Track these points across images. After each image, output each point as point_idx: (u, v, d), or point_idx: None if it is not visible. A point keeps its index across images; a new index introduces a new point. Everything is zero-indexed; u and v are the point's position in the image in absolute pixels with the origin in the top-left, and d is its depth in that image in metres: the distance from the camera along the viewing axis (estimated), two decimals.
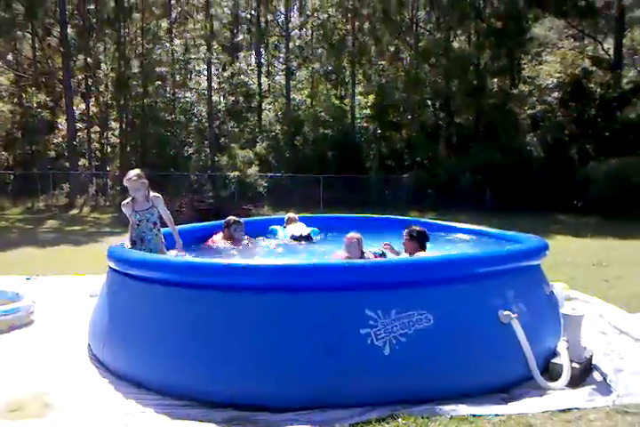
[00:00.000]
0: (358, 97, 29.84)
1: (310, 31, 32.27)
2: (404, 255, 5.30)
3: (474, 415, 3.47)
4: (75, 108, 27.83)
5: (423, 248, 5.18)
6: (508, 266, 4.46)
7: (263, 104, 31.26)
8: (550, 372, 4.13)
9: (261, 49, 32.80)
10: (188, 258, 5.24)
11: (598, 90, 23.99)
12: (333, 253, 5.50)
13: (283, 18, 32.06)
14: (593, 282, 7.95)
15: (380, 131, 28.48)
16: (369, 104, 29.04)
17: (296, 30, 32.81)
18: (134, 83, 27.79)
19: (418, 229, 5.33)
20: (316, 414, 3.49)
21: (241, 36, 33.47)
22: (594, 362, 4.37)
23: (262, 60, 32.81)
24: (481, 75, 26.28)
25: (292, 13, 32.31)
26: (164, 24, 29.09)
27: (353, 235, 5.24)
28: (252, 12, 33.23)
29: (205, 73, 30.16)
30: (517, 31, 24.87)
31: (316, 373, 3.65)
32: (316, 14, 30.49)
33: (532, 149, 24.69)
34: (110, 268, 4.82)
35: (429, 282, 4.00)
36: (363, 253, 5.22)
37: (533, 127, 25.34)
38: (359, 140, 28.78)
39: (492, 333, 4.02)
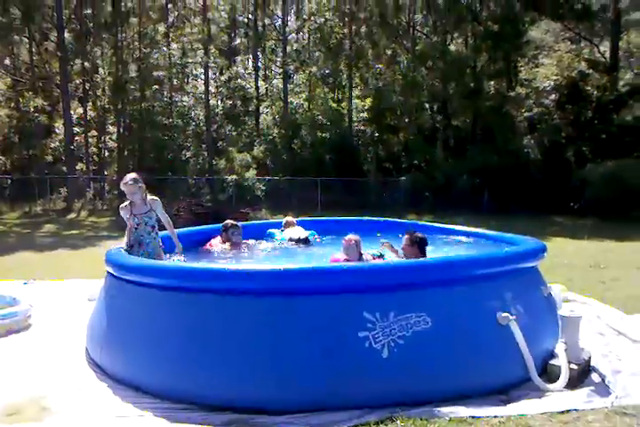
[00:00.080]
0: (355, 100, 29.91)
1: (307, 35, 32.36)
2: (402, 255, 5.31)
3: (473, 417, 3.47)
4: (72, 112, 27.82)
5: (423, 254, 5.17)
6: (505, 268, 4.47)
7: (261, 108, 31.29)
8: (549, 373, 4.13)
9: (259, 53, 32.84)
10: (187, 263, 5.24)
11: (595, 92, 24.04)
12: (332, 255, 5.50)
13: (280, 22, 32.13)
14: (590, 284, 7.96)
15: (377, 134, 28.56)
16: (366, 107, 29.11)
17: (293, 34, 32.89)
18: (132, 87, 27.80)
19: (419, 235, 5.28)
20: (314, 417, 3.48)
21: (238, 40, 33.56)
22: (592, 363, 4.38)
23: (259, 64, 32.87)
24: (478, 78, 26.39)
25: (289, 17, 32.38)
26: (162, 28, 29.12)
27: (351, 237, 5.24)
28: (250, 15, 33.26)
29: (203, 77, 30.20)
30: (514, 34, 24.96)
31: (314, 376, 3.65)
32: (312, 18, 30.57)
33: (529, 151, 24.75)
34: (108, 272, 4.82)
35: (427, 284, 4.01)
36: (361, 254, 5.23)
37: (530, 130, 25.41)
38: (357, 143, 28.84)
39: (491, 334, 4.02)
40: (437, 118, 28.44)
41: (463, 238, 6.94)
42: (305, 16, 31.70)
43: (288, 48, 30.86)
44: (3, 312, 5.67)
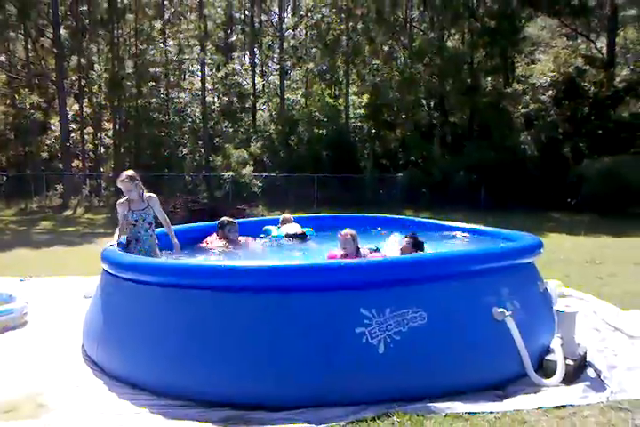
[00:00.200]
0: (352, 97, 29.85)
1: (304, 31, 32.25)
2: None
3: (469, 413, 3.48)
4: (68, 108, 27.72)
5: None
6: (502, 264, 4.49)
7: (257, 104, 31.22)
8: (544, 369, 4.15)
9: (255, 49, 32.75)
10: (183, 260, 5.24)
11: (591, 88, 24.05)
12: (329, 251, 5.50)
13: (276, 18, 32.05)
14: (587, 279, 7.99)
15: (374, 130, 28.52)
16: (363, 104, 29.06)
17: (290, 30, 32.77)
18: (128, 83, 27.69)
19: (420, 240, 5.43)
20: (311, 413, 3.49)
21: (235, 37, 33.38)
22: (588, 359, 4.39)
23: (256, 61, 32.79)
24: (475, 74, 26.38)
25: (285, 14, 32.28)
26: (158, 25, 28.99)
27: (347, 231, 5.24)
28: (246, 12, 33.18)
29: (199, 73, 30.09)
30: (511, 30, 24.95)
31: (311, 372, 3.66)
32: (309, 14, 30.48)
33: (526, 147, 24.75)
34: (104, 269, 4.81)
35: (423, 280, 4.01)
36: (358, 248, 5.23)
37: (527, 126, 25.40)
38: (353, 139, 28.80)
39: (487, 330, 4.03)
40: (434, 115, 28.41)
41: (460, 234, 6.95)
42: (302, 12, 31.61)
43: (285, 44, 30.77)
44: None
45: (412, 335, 3.74)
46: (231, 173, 25.27)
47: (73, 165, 27.67)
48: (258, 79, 31.68)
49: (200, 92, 29.08)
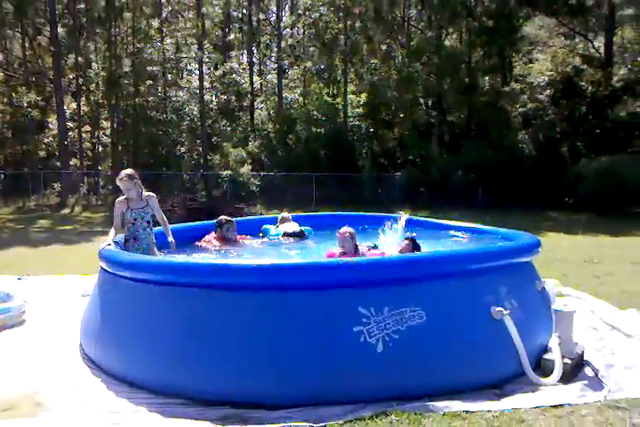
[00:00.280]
0: (350, 95, 29.80)
1: (302, 30, 32.20)
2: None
3: (467, 411, 3.48)
4: (65, 107, 27.68)
5: None
6: (500, 263, 4.49)
7: (255, 103, 31.22)
8: (542, 368, 4.15)
9: (253, 48, 32.70)
10: (182, 258, 5.23)
11: (589, 88, 24.08)
12: (327, 249, 5.50)
13: (274, 17, 32.01)
14: (584, 279, 8.00)
15: (372, 129, 28.53)
16: (361, 102, 29.05)
17: (288, 29, 32.75)
18: (125, 82, 27.63)
19: (419, 243, 5.48)
20: (310, 412, 3.50)
21: (232, 35, 33.33)
22: (585, 358, 4.40)
23: (254, 59, 32.73)
24: (472, 73, 26.39)
25: (283, 12, 32.27)
26: (155, 23, 28.89)
27: (346, 229, 5.25)
28: (244, 10, 33.13)
29: (197, 72, 30.06)
30: (508, 30, 24.96)
31: (310, 370, 3.66)
32: (307, 13, 30.41)
33: (524, 146, 24.79)
34: (102, 268, 4.80)
35: (422, 279, 4.02)
36: (357, 246, 5.23)
37: (525, 125, 25.43)
38: (352, 138, 28.76)
39: (485, 329, 4.03)
40: (432, 114, 28.41)
41: (458, 233, 6.95)
42: (299, 11, 31.56)
43: (283, 43, 30.74)
44: None
45: (410, 334, 3.74)
46: (229, 172, 25.25)
47: (71, 163, 27.61)
48: (256, 78, 31.67)
49: (198, 91, 29.04)
